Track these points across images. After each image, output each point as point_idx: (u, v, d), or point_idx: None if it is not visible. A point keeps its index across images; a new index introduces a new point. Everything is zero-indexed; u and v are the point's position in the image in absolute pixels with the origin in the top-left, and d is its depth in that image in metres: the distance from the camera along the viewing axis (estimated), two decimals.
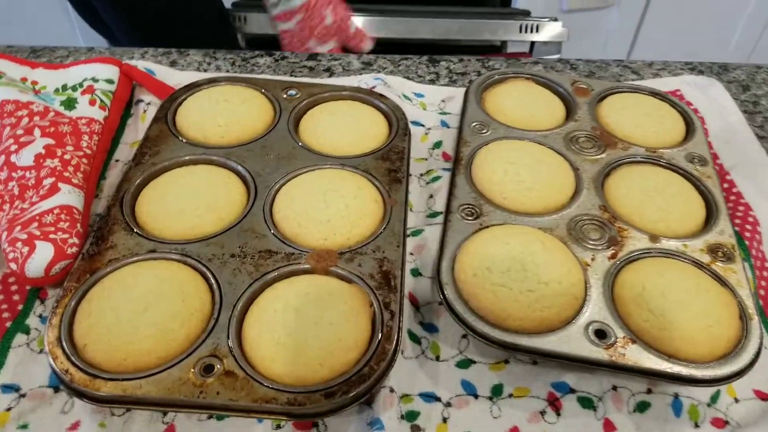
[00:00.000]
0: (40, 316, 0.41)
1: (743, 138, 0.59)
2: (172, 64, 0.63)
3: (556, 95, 0.56)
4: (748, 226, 0.49)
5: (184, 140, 0.49)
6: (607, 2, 1.87)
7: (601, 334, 0.38)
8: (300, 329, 0.37)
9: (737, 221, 0.50)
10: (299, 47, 0.87)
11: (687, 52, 1.93)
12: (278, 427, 0.37)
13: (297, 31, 0.86)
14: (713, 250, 0.44)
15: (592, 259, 0.42)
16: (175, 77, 0.59)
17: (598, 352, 0.37)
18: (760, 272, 0.47)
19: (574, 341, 0.38)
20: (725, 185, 0.54)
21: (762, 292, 0.46)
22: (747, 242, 0.48)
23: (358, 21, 0.90)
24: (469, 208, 0.45)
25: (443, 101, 0.60)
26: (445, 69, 0.64)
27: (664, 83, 0.64)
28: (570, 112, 0.55)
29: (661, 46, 1.96)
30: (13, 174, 0.45)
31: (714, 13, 1.95)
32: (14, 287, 0.42)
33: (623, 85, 0.58)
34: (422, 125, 0.57)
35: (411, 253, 0.46)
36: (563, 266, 0.41)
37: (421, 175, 0.52)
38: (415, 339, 0.41)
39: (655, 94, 0.57)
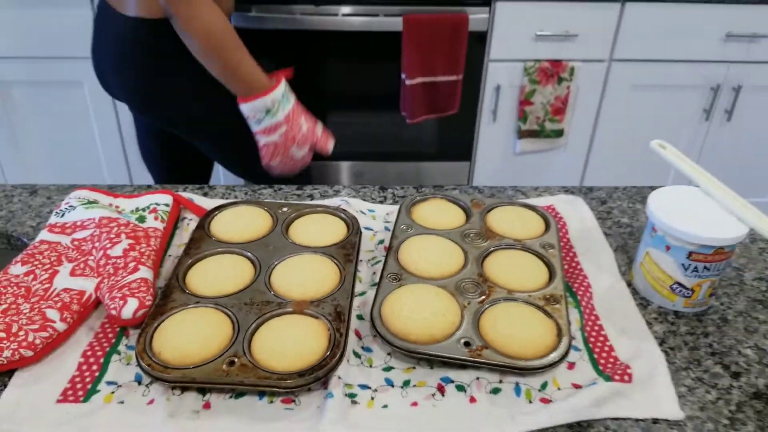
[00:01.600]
0: (126, 345, 0.66)
1: (594, 235, 0.86)
2: (205, 194, 0.92)
3: (460, 208, 0.85)
4: (582, 288, 0.75)
5: (215, 239, 0.76)
6: (556, 145, 2.22)
7: (467, 344, 0.63)
8: (286, 342, 0.62)
9: (576, 284, 0.76)
10: (284, 156, 1.09)
11: (632, 182, 2.26)
12: (271, 402, 0.61)
13: (281, 142, 1.08)
14: (547, 298, 0.69)
15: (468, 303, 0.68)
16: (207, 203, 0.87)
17: (465, 355, 0.62)
18: (588, 316, 0.72)
19: (450, 348, 0.63)
20: (574, 264, 0.80)
21: (588, 328, 0.71)
22: (579, 296, 0.74)
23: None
24: (394, 275, 0.71)
25: (387, 214, 0.88)
26: (390, 194, 0.93)
27: (544, 200, 0.92)
28: (468, 218, 0.82)
29: (607, 179, 2.29)
30: (109, 261, 0.72)
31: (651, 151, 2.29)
32: (109, 328, 0.68)
33: (506, 201, 0.86)
34: (372, 230, 0.84)
35: (358, 306, 0.71)
36: (448, 306, 0.66)
37: (369, 260, 0.79)
38: (357, 355, 0.66)
39: (527, 206, 0.85)
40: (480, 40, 1.98)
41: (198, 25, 1.02)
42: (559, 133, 2.18)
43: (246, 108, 1.07)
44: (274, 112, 1.06)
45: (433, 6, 1.90)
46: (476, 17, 1.90)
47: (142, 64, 1.16)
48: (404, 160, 2.22)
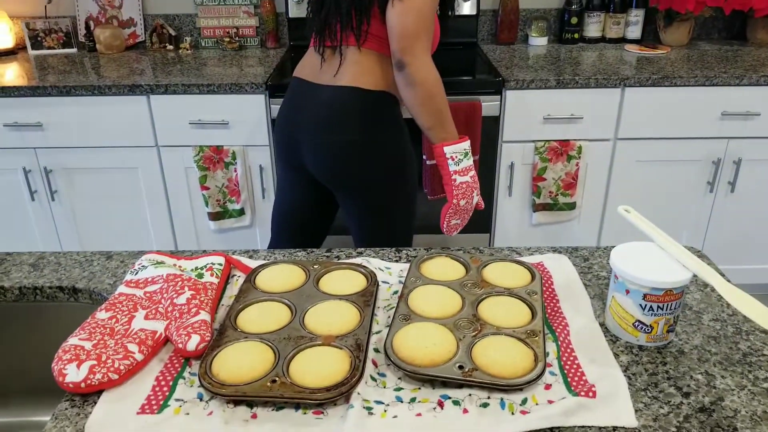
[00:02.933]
0: (189, 372, 0.83)
1: (574, 286, 1.01)
2: (250, 257, 1.10)
3: (461, 264, 1.01)
4: (560, 326, 0.91)
5: (259, 290, 0.94)
6: (570, 217, 2.37)
7: (460, 367, 0.79)
8: (317, 365, 0.78)
9: (555, 323, 0.91)
10: (469, 198, 1.35)
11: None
12: (305, 413, 0.76)
13: (471, 183, 1.36)
14: (528, 333, 0.85)
15: (463, 337, 0.84)
16: (252, 263, 1.06)
17: (458, 375, 0.78)
18: (564, 348, 0.87)
19: (447, 370, 0.78)
20: (557, 308, 0.95)
21: (564, 358, 0.86)
22: (557, 333, 0.89)
23: None
24: (404, 316, 0.88)
25: (401, 270, 1.05)
26: (404, 254, 1.11)
27: (534, 258, 1.08)
28: (467, 272, 0.99)
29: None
30: (175, 307, 0.90)
31: (664, 226, 2.43)
32: (176, 359, 0.85)
33: (499, 257, 1.03)
34: (388, 283, 1.01)
35: (375, 342, 0.88)
36: (446, 338, 0.82)
37: (385, 307, 0.96)
38: (374, 379, 0.82)
39: (516, 261, 1.01)
40: (494, 122, 2.19)
41: (425, 74, 1.32)
42: (572, 206, 2.34)
43: (450, 149, 1.36)
44: (469, 156, 1.36)
45: (449, 96, 2.13)
46: (489, 104, 2.12)
47: (348, 124, 1.42)
48: (430, 232, 2.40)
